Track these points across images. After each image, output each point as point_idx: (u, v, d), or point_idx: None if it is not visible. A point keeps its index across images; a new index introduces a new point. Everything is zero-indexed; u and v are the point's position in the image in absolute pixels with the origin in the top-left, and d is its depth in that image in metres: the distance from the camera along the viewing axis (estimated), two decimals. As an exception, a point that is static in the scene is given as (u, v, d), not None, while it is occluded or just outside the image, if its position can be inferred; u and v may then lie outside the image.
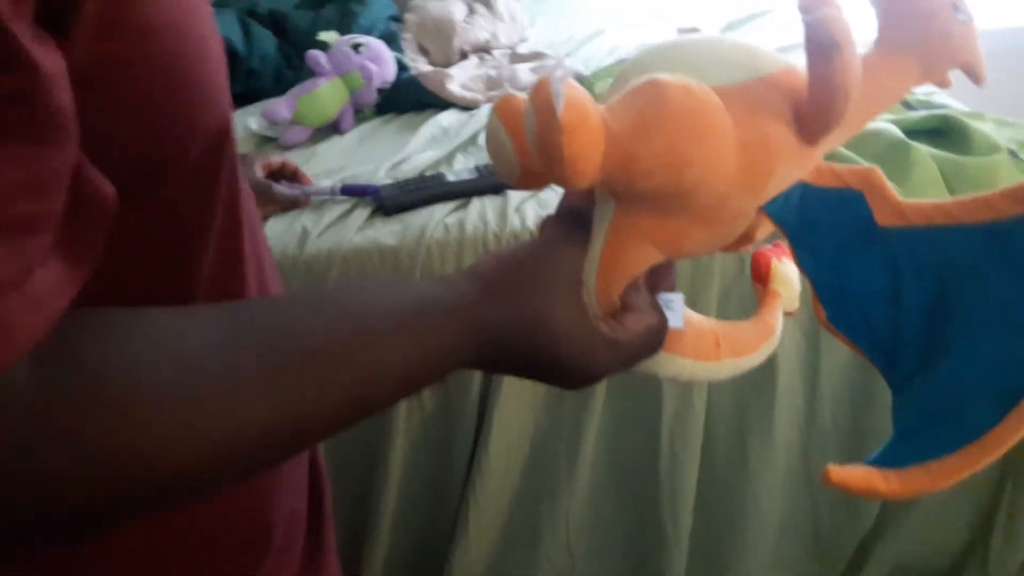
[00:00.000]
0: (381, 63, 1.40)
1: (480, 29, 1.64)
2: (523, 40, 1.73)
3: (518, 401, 1.05)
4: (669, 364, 0.43)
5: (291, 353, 0.32)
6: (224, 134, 0.37)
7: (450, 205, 1.09)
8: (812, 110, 0.36)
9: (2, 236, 0.24)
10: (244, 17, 1.59)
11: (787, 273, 0.50)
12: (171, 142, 0.33)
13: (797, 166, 0.39)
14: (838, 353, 1.08)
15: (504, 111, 0.41)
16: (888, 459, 0.36)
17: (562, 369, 0.39)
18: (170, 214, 0.35)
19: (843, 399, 1.10)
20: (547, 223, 0.44)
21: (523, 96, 0.39)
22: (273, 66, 1.56)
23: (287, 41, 1.60)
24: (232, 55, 1.48)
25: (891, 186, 0.39)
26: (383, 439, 1.04)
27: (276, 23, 1.64)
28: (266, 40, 1.57)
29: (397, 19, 1.70)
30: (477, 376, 1.05)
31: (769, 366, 1.06)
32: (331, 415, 0.34)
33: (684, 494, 1.07)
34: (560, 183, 0.36)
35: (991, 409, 0.33)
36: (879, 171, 0.40)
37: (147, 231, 0.34)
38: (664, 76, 0.35)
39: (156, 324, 0.30)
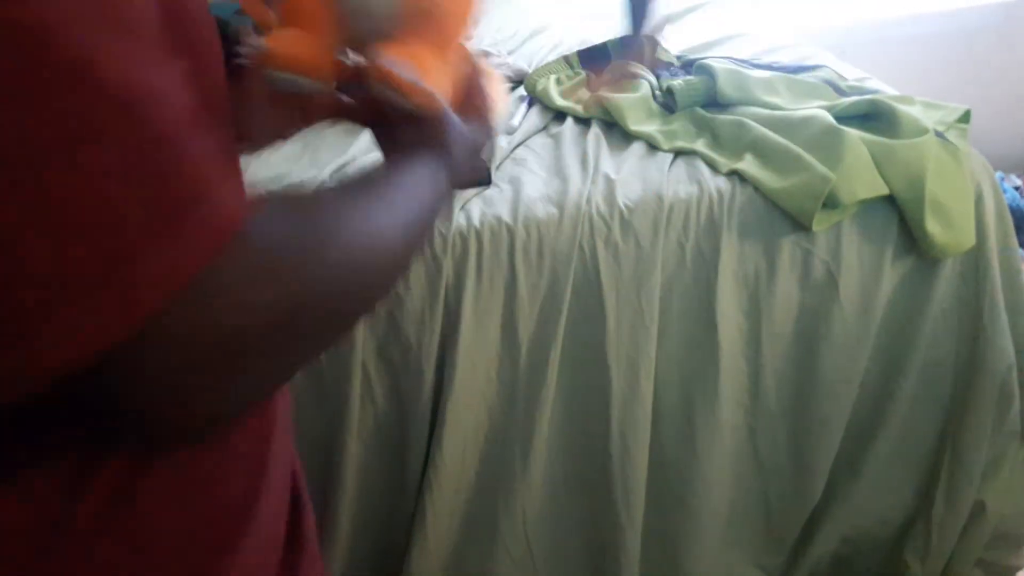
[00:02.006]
0: (323, 66, 1.40)
1: (423, 29, 1.64)
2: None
3: (471, 397, 1.06)
4: None
5: (394, 205, 0.45)
6: None
7: (395, 206, 1.10)
8: None
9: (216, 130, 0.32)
10: (183, 24, 1.57)
11: None
12: None
13: None
14: (779, 333, 1.11)
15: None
16: None
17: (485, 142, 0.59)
18: None
19: (786, 379, 1.13)
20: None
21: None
22: (215, 73, 1.54)
23: (227, 47, 1.59)
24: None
25: None
26: (336, 440, 1.05)
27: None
28: (207, 46, 1.56)
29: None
30: (430, 375, 1.06)
31: (712, 350, 1.09)
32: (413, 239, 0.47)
33: (636, 479, 1.09)
34: None
35: None
36: None
37: None
38: None
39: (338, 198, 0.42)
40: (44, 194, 0.27)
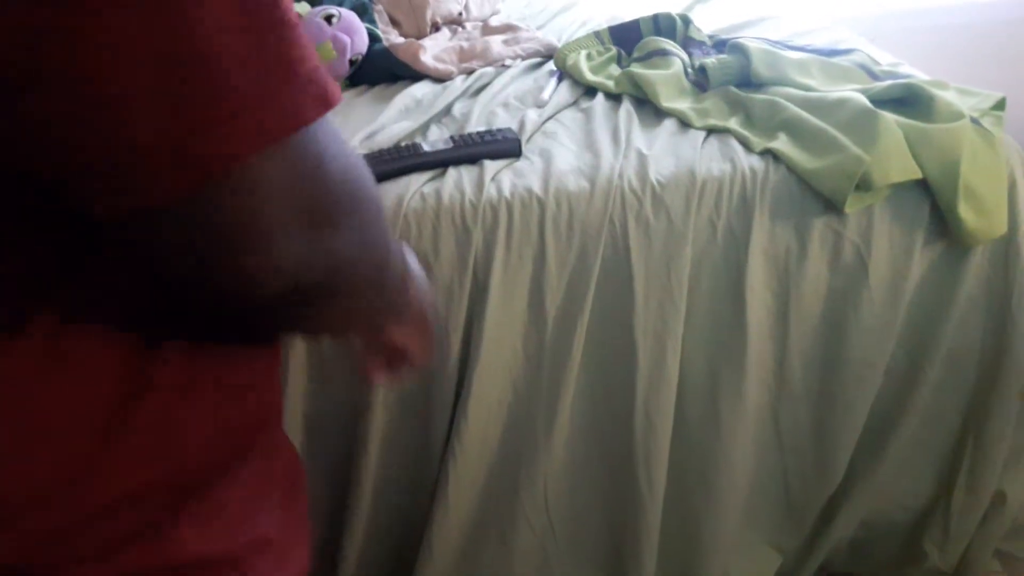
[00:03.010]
0: (353, 34, 1.40)
1: (452, 1, 1.64)
2: (495, 12, 1.73)
3: (496, 368, 1.07)
4: None
5: None
6: None
7: (426, 175, 1.10)
8: None
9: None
10: (213, -11, 1.57)
11: None
12: None
13: None
14: (807, 314, 1.11)
15: None
16: None
17: None
18: None
19: (812, 361, 1.13)
20: None
21: None
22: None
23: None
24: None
25: None
26: (362, 405, 1.05)
27: (246, -5, 1.62)
28: (236, 12, 1.55)
29: (368, -9, 1.68)
30: (456, 345, 1.06)
31: (740, 329, 1.09)
32: None
33: (658, 456, 1.09)
34: None
35: None
36: None
37: None
38: None
39: None
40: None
